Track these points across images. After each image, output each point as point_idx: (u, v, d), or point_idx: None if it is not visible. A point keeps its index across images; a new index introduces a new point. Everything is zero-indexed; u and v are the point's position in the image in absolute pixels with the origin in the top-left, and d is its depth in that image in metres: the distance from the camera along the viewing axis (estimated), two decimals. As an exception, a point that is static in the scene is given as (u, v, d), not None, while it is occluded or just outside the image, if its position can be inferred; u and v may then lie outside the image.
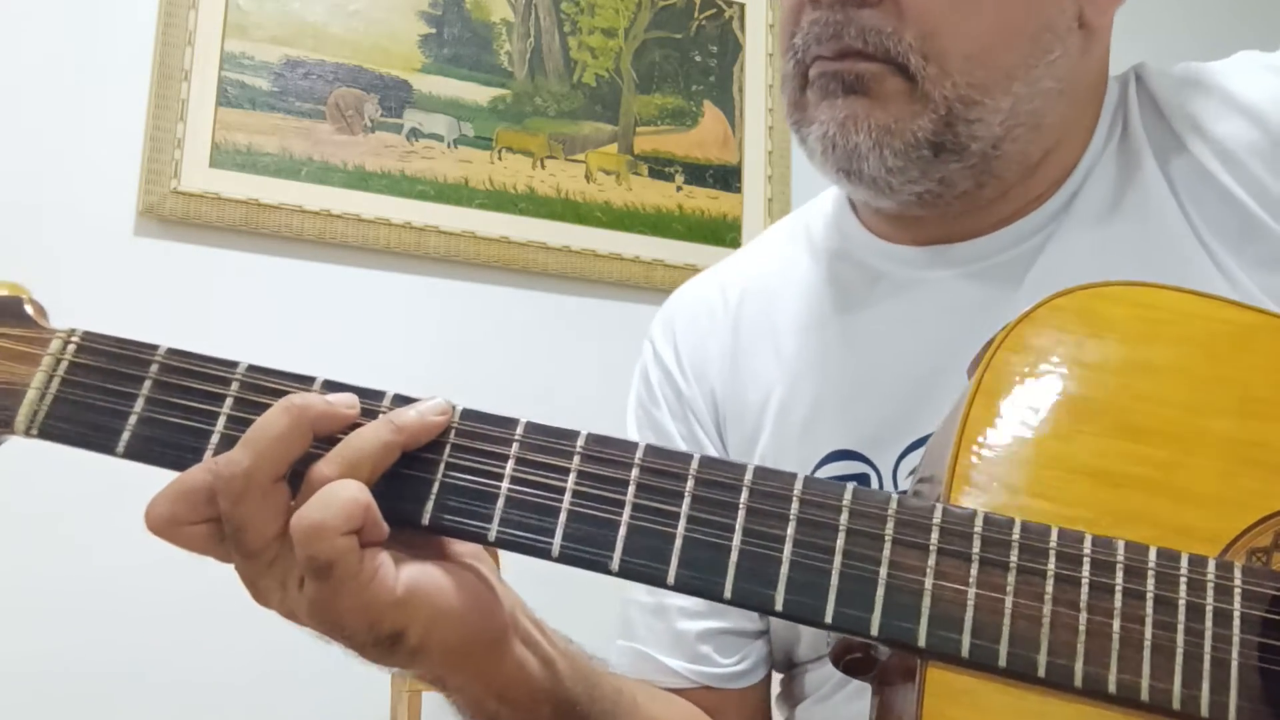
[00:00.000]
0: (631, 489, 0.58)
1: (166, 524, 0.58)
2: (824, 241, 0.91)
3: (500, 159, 2.28)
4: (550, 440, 0.59)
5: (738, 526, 0.57)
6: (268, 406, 0.58)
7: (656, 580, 0.57)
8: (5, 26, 2.01)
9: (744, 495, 0.58)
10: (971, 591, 0.55)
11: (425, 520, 0.58)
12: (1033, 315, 0.63)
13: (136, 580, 1.93)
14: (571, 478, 0.58)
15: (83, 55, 2.05)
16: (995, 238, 0.82)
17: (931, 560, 0.56)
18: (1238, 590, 0.56)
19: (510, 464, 0.59)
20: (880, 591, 0.56)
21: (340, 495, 0.55)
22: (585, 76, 2.38)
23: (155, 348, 0.62)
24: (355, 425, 0.59)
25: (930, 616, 0.55)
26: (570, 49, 2.37)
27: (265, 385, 0.61)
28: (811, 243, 0.92)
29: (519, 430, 0.59)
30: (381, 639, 0.58)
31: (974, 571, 0.56)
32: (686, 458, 0.59)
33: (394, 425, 0.58)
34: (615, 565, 0.57)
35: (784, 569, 0.56)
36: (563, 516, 0.58)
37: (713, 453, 0.90)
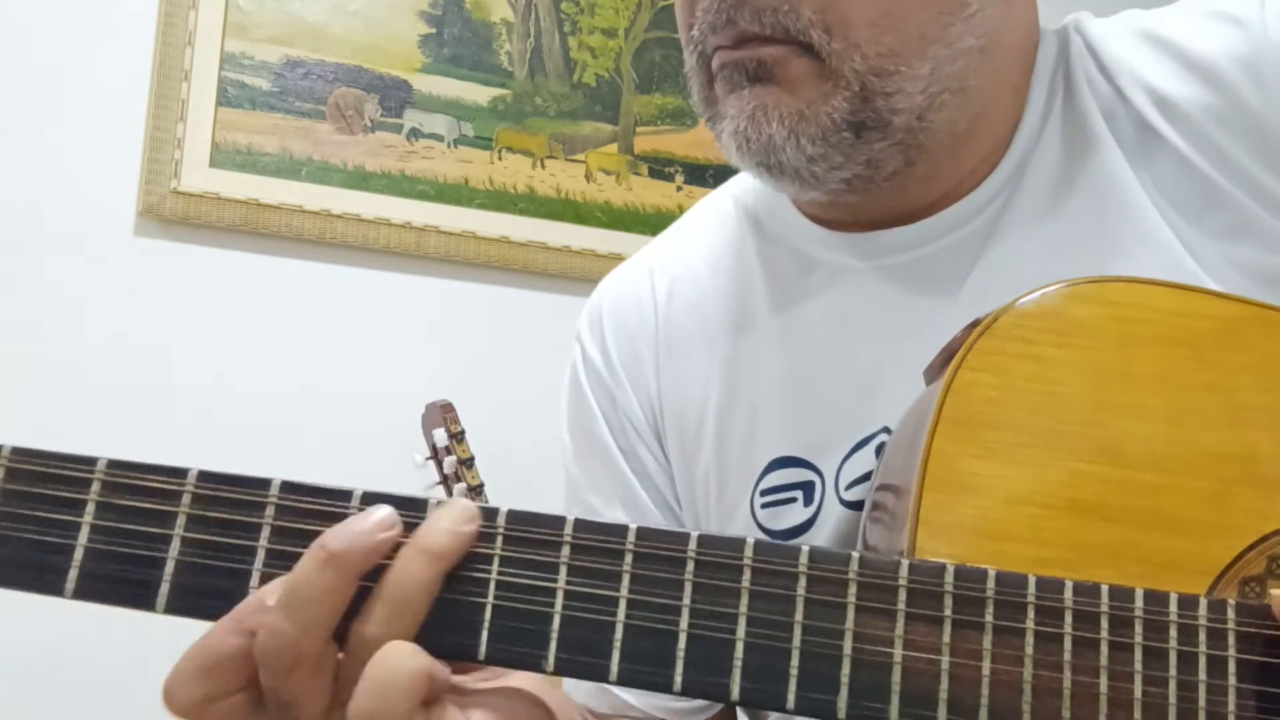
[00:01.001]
0: (562, 574, 0.51)
1: (196, 707, 0.50)
2: (755, 223, 0.84)
3: (500, 159, 2.28)
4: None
5: (684, 608, 0.51)
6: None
7: (597, 676, 0.51)
8: (6, 26, 2.01)
9: (689, 569, 0.51)
10: (945, 660, 0.50)
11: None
12: (996, 326, 0.58)
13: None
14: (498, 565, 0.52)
15: (83, 55, 2.04)
16: (938, 220, 0.76)
17: (899, 627, 0.50)
18: (1232, 633, 0.51)
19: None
20: (845, 669, 0.50)
21: (399, 674, 0.47)
22: (585, 76, 2.37)
23: (94, 461, 0.53)
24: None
25: (902, 695, 0.50)
26: (570, 49, 2.37)
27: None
28: (741, 224, 0.85)
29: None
30: None
31: (947, 636, 0.50)
32: (621, 530, 0.52)
33: (430, 555, 0.50)
34: (550, 665, 0.51)
35: (738, 652, 0.50)
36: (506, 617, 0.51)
37: (654, 469, 0.85)
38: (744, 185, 0.88)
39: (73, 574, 0.51)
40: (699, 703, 0.81)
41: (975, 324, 0.59)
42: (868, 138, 0.70)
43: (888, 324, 0.75)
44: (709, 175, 2.42)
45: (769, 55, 0.69)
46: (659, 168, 2.39)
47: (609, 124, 2.37)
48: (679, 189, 2.39)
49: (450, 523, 0.51)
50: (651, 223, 2.35)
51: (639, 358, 0.85)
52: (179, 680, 0.50)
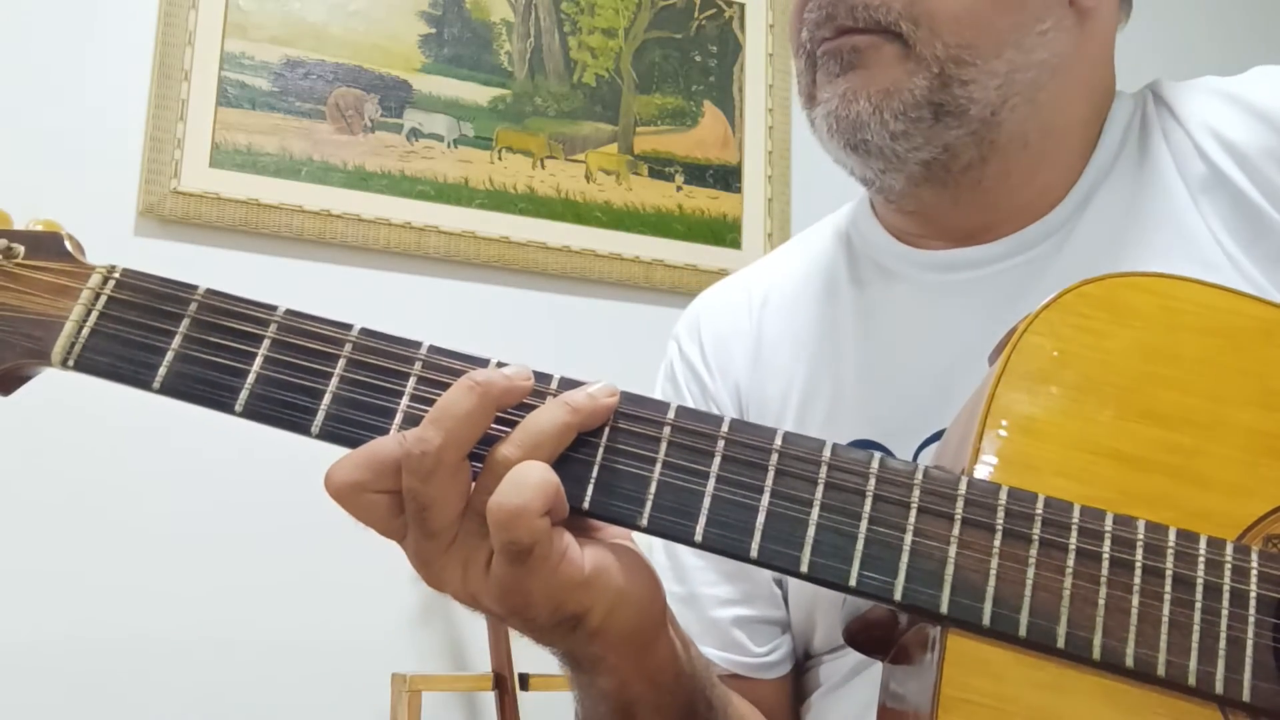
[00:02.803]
0: (662, 446, 0.59)
1: (350, 489, 0.58)
2: (846, 242, 0.93)
3: (500, 159, 2.28)
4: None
5: (766, 488, 0.58)
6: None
7: (683, 538, 0.58)
8: (6, 27, 2.01)
9: (773, 459, 0.58)
10: (994, 561, 0.56)
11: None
12: (1059, 301, 0.64)
13: (137, 580, 1.93)
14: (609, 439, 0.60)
15: (83, 55, 2.05)
16: (1010, 241, 0.84)
17: (956, 529, 0.57)
18: (1254, 572, 0.56)
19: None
20: (905, 557, 0.56)
21: (533, 477, 0.56)
22: (585, 76, 2.38)
23: (194, 288, 0.63)
24: (524, 405, 0.60)
25: (953, 584, 0.56)
26: (570, 49, 2.37)
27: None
28: (835, 243, 0.94)
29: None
30: (564, 620, 0.60)
31: (997, 542, 0.56)
32: (717, 420, 0.60)
33: (569, 407, 0.59)
34: (645, 521, 0.58)
35: (810, 531, 0.57)
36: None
37: None
38: (842, 213, 0.97)
39: (244, 395, 0.60)
40: (773, 658, 0.88)
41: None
42: (946, 123, 0.79)
43: (961, 332, 0.82)
44: (709, 175, 2.43)
45: (862, 42, 0.79)
46: (659, 168, 2.40)
47: (609, 124, 2.38)
48: (679, 189, 2.40)
49: (589, 394, 0.60)
50: (651, 223, 2.36)
51: (730, 353, 0.94)
52: (341, 466, 0.58)
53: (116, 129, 2.05)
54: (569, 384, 0.61)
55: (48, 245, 0.64)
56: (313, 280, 2.14)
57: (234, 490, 1.99)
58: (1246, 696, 0.54)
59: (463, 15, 2.29)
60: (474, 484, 0.59)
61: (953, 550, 0.56)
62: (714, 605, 0.88)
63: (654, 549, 0.60)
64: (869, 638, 0.64)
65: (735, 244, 2.39)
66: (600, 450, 0.59)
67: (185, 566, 1.96)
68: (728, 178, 2.44)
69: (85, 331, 0.62)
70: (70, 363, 0.61)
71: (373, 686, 1.97)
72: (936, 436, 0.80)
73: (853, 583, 0.56)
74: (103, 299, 0.62)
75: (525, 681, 1.97)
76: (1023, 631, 0.55)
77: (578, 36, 2.38)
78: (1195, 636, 0.55)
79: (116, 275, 0.63)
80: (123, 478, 1.95)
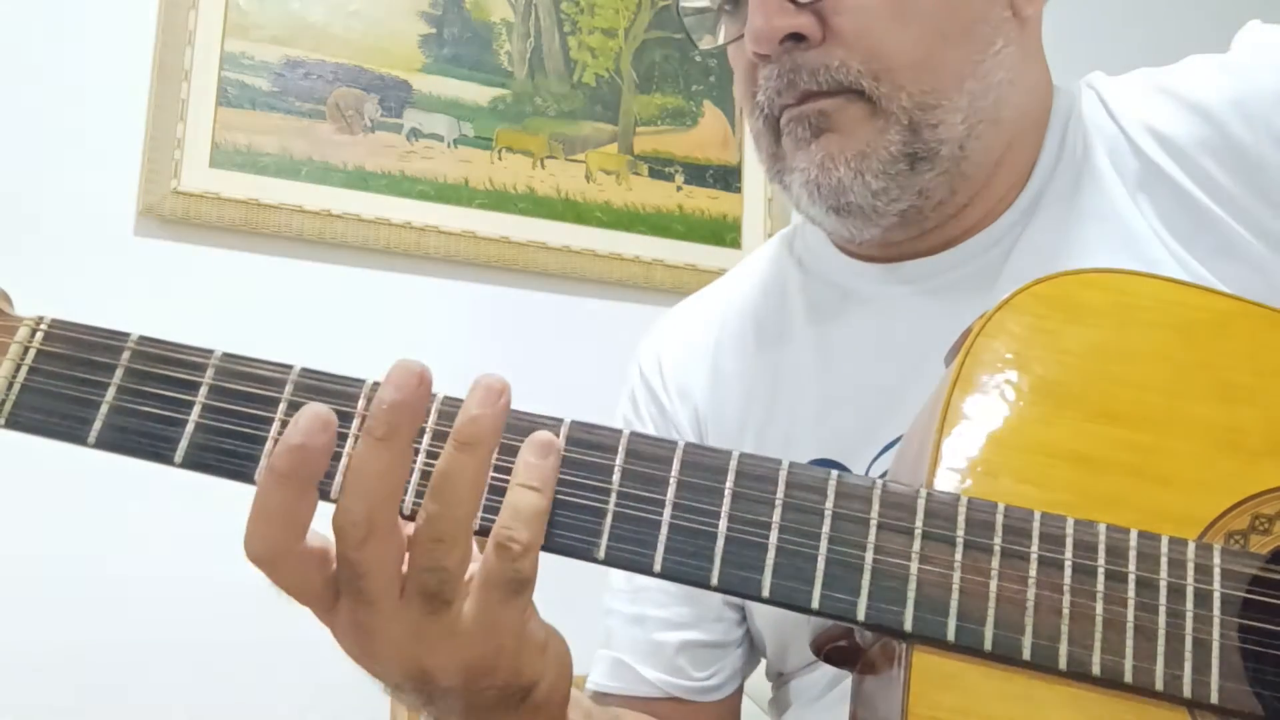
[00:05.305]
0: (616, 475, 0.58)
1: (270, 551, 0.56)
2: (798, 262, 0.94)
3: (500, 159, 2.28)
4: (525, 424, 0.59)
5: (723, 513, 0.57)
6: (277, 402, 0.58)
7: (642, 568, 0.57)
8: (6, 26, 2.02)
9: (729, 481, 0.57)
10: (956, 575, 0.56)
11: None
12: (1012, 302, 0.63)
13: (138, 582, 1.94)
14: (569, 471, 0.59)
15: (83, 55, 2.05)
16: (959, 251, 0.84)
17: (917, 545, 0.56)
18: (1217, 571, 0.56)
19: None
20: (866, 576, 0.56)
21: (527, 504, 0.55)
22: (585, 76, 2.37)
23: (125, 335, 0.61)
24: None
25: (916, 600, 0.55)
26: (570, 49, 2.37)
27: (242, 371, 0.60)
28: (787, 263, 0.95)
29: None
30: (517, 690, 0.59)
31: (958, 555, 0.56)
32: (671, 444, 0.58)
33: (456, 442, 0.56)
34: (601, 554, 0.57)
35: (770, 555, 0.56)
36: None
37: None
38: (796, 231, 0.97)
39: (183, 445, 0.58)
40: (713, 682, 0.89)
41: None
42: (920, 169, 0.79)
43: (913, 343, 0.82)
44: (709, 175, 2.42)
45: (829, 106, 0.79)
46: (659, 168, 2.39)
47: (609, 124, 2.37)
48: (679, 189, 2.40)
49: (475, 407, 0.57)
50: (651, 222, 2.36)
51: (689, 375, 0.94)
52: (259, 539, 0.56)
53: (116, 129, 2.05)
54: (452, 402, 0.59)
55: None
56: (313, 280, 2.14)
57: (233, 487, 1.99)
58: (1214, 698, 0.54)
59: (463, 15, 2.29)
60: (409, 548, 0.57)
61: (914, 566, 0.56)
62: (661, 628, 0.89)
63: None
64: (837, 650, 0.64)
65: (735, 244, 2.39)
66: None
67: (184, 565, 1.96)
68: (728, 178, 2.44)
69: (15, 389, 0.60)
70: (1, 422, 0.59)
71: (373, 686, 1.97)
72: (890, 445, 0.80)
73: (815, 605, 0.56)
74: (32, 352, 0.60)
75: (523, 681, 1.97)
76: (988, 645, 0.55)
77: (578, 36, 2.38)
78: (1161, 640, 0.55)
79: (44, 327, 0.61)
80: (119, 478, 1.95)
